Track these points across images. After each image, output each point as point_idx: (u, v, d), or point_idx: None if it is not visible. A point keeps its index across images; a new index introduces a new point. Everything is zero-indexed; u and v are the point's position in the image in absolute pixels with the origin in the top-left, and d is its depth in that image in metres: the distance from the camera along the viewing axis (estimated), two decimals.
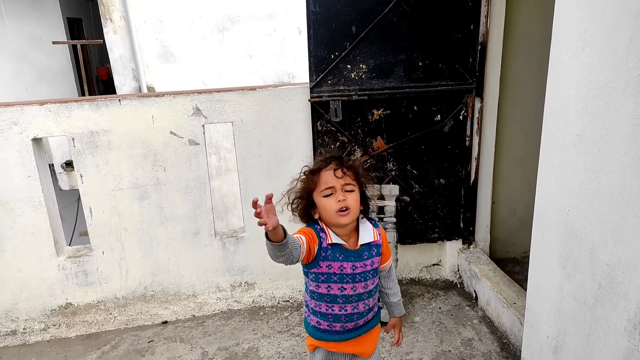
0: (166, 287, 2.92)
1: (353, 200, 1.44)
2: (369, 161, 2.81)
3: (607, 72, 1.44)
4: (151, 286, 2.91)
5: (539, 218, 1.87)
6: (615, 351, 1.45)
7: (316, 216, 1.49)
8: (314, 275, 1.50)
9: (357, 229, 1.52)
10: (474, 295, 2.85)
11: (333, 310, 1.51)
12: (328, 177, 1.44)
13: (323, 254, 1.46)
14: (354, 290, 1.49)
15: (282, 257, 1.37)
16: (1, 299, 2.76)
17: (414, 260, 3.14)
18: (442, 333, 2.55)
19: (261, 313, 2.87)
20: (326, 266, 1.47)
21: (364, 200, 1.52)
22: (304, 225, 1.52)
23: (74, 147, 2.67)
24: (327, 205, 1.44)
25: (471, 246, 3.05)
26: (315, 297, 1.52)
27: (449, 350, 2.41)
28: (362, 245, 1.49)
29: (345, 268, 1.47)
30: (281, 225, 1.32)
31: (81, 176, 2.72)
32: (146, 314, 2.88)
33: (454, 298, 2.91)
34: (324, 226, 1.48)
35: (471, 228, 3.03)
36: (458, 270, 3.07)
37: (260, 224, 1.27)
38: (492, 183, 3.01)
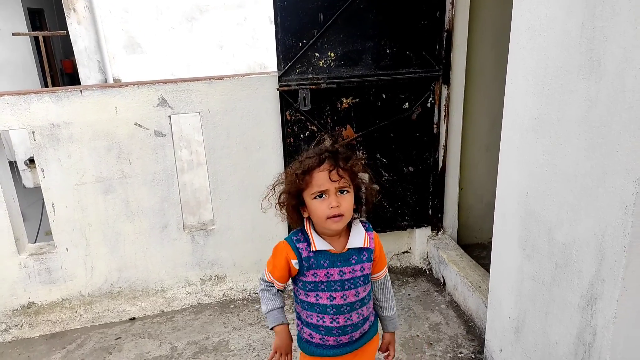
0: (134, 283, 2.86)
1: (347, 204, 1.32)
2: None
3: (562, 55, 1.46)
4: (118, 282, 2.84)
5: (500, 201, 1.91)
6: (570, 327, 1.49)
7: (305, 215, 1.38)
8: (301, 283, 1.42)
9: (347, 230, 1.41)
10: (442, 281, 2.89)
11: (324, 322, 1.40)
12: (321, 179, 1.30)
13: (306, 264, 1.37)
14: (344, 299, 1.38)
15: None
16: None
17: (384, 248, 3.14)
18: (411, 319, 2.59)
19: (232, 306, 2.85)
20: (312, 275, 1.38)
21: (358, 200, 1.39)
22: (284, 239, 1.42)
23: (34, 140, 2.57)
24: (317, 209, 1.31)
25: (440, 233, 3.09)
26: (306, 307, 1.43)
27: (417, 335, 2.44)
28: (349, 248, 1.38)
29: (332, 275, 1.37)
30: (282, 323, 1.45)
31: (42, 171, 2.62)
32: (113, 311, 2.81)
33: (423, 284, 2.95)
34: (309, 230, 1.38)
35: (440, 215, 3.07)
36: (427, 257, 3.12)
37: None
38: (459, 170, 3.05)
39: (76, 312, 2.79)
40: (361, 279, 1.40)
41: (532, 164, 1.66)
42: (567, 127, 1.46)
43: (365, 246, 1.40)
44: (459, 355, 2.28)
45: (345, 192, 1.32)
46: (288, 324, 1.46)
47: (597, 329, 1.37)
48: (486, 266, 2.69)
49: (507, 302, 1.88)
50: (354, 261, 1.38)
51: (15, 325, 2.72)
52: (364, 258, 1.40)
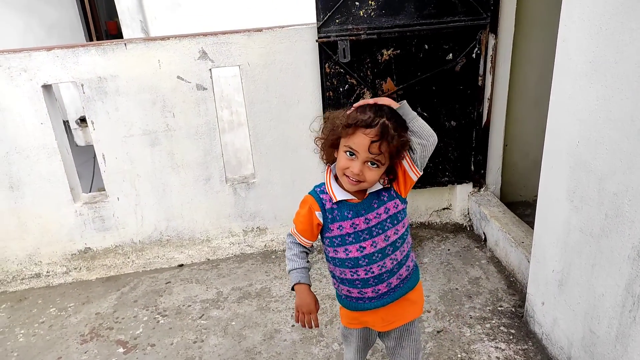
0: (181, 232, 3.01)
1: (371, 177, 1.24)
2: None
3: None
4: (166, 231, 2.99)
5: (549, 151, 1.83)
6: (619, 279, 1.45)
7: (336, 155, 1.30)
8: (328, 240, 1.37)
9: None
10: (483, 237, 2.86)
11: (358, 275, 1.36)
12: (359, 141, 1.20)
13: (330, 216, 1.33)
14: (375, 247, 1.33)
15: None
16: (25, 244, 2.89)
17: (423, 204, 3.14)
18: (450, 273, 2.59)
19: (273, 257, 2.95)
20: (337, 228, 1.33)
21: (390, 171, 1.30)
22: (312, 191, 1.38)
23: (84, 93, 2.68)
24: (341, 162, 1.26)
25: (482, 189, 3.03)
26: (337, 264, 1.39)
27: (456, 288, 2.45)
28: (369, 194, 1.32)
29: (358, 225, 1.32)
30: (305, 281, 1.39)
31: (92, 123, 2.74)
32: (163, 258, 2.98)
33: (463, 240, 2.92)
34: (328, 180, 1.34)
35: (482, 171, 3.00)
36: (468, 213, 3.07)
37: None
38: (504, 125, 2.94)
39: (129, 258, 2.98)
40: (388, 221, 1.33)
41: (584, 111, 1.57)
42: (626, 69, 1.37)
43: (383, 186, 1.32)
44: (499, 308, 2.27)
45: (375, 165, 1.23)
46: (310, 285, 1.39)
47: None
48: (530, 223, 2.62)
49: (552, 255, 1.84)
50: (375, 205, 1.32)
51: (75, 269, 2.94)
52: (385, 198, 1.33)
